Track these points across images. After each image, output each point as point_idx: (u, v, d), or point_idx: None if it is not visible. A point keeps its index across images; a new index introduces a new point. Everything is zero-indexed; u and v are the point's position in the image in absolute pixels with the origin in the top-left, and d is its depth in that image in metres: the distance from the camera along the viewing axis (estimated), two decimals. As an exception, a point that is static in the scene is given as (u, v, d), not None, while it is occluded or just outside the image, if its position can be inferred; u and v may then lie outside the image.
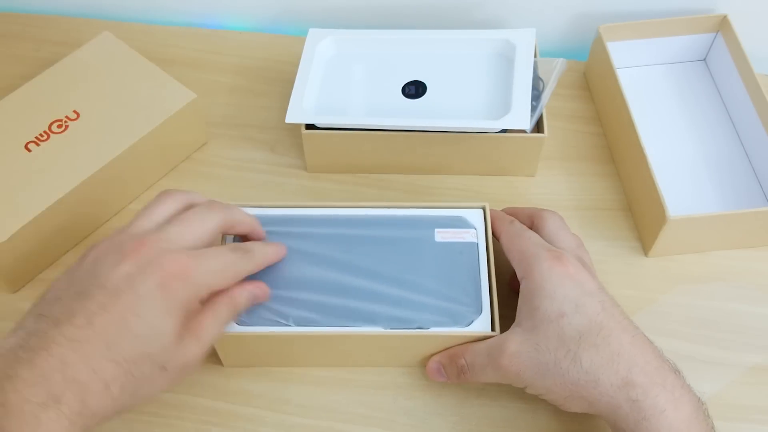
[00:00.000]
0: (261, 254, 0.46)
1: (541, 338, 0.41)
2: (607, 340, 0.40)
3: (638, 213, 0.58)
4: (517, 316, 0.45)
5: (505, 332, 0.44)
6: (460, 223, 0.51)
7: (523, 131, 0.56)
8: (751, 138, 0.60)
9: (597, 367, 0.40)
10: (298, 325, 0.47)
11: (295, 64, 0.61)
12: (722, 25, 0.64)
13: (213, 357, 0.51)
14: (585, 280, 0.43)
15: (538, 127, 0.59)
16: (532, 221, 0.50)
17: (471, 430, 0.48)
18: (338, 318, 0.47)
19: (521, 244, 0.46)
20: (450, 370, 0.47)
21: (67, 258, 0.57)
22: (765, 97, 0.57)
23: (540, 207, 0.52)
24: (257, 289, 0.45)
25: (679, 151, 0.62)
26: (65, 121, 0.57)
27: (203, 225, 0.42)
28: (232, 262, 0.43)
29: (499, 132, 0.56)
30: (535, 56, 0.62)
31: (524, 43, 0.60)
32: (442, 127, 0.56)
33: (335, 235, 0.51)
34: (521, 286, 0.45)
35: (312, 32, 0.63)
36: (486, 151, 0.59)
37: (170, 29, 0.73)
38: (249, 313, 0.47)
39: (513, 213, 0.51)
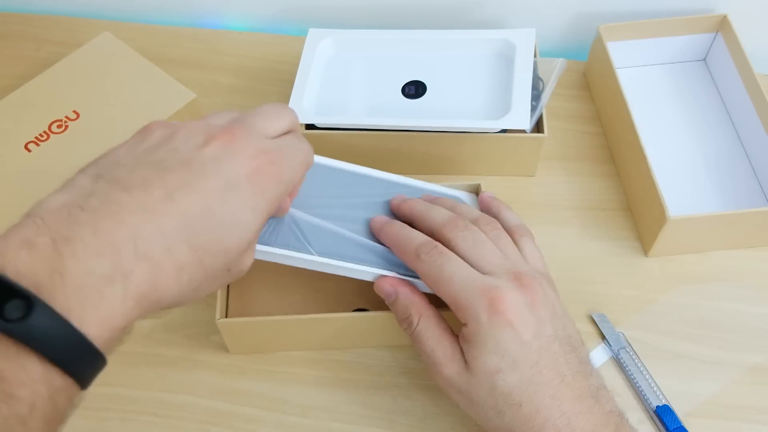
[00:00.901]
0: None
1: (473, 385, 0.40)
2: (532, 398, 0.38)
3: (638, 213, 0.58)
4: (461, 339, 0.41)
5: (452, 343, 0.41)
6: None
7: (523, 131, 0.56)
8: (751, 138, 0.60)
9: (517, 424, 0.39)
10: (321, 255, 0.45)
11: (295, 64, 0.61)
12: (722, 25, 0.64)
13: (214, 356, 0.51)
14: (525, 325, 0.39)
15: (538, 127, 0.59)
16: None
17: (471, 430, 0.48)
18: (355, 252, 0.46)
19: (448, 289, 0.40)
20: (399, 310, 0.44)
21: (67, 258, 0.57)
22: (765, 97, 0.57)
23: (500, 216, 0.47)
24: (286, 207, 0.43)
25: (679, 151, 0.62)
26: (65, 121, 0.57)
27: (280, 119, 0.38)
28: (306, 153, 0.39)
29: (499, 132, 0.56)
30: (535, 56, 0.62)
31: (524, 43, 0.60)
32: (442, 127, 0.56)
33: (343, 183, 0.50)
34: (464, 329, 0.40)
35: (312, 32, 0.63)
36: (486, 151, 0.59)
37: (170, 29, 0.73)
38: (275, 235, 0.45)
39: (487, 208, 0.48)
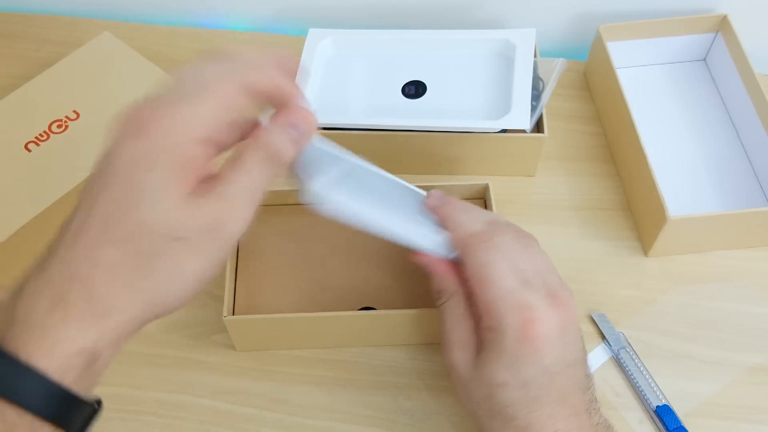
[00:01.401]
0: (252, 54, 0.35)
1: (474, 383, 0.39)
2: (528, 415, 0.38)
3: (638, 213, 0.58)
4: (481, 335, 0.40)
5: (470, 331, 0.40)
6: None
7: (523, 131, 0.56)
8: (751, 138, 0.60)
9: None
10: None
11: (295, 64, 0.61)
12: (722, 25, 0.64)
13: (214, 356, 0.51)
14: (549, 351, 0.38)
15: (538, 127, 0.59)
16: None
17: (471, 430, 0.48)
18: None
19: (487, 292, 0.39)
20: (434, 283, 0.43)
21: (67, 258, 0.57)
22: (765, 97, 0.57)
23: (494, 216, 0.44)
24: (298, 119, 0.35)
25: (679, 151, 0.62)
26: (65, 121, 0.57)
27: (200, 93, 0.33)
28: (212, 78, 0.33)
29: (499, 132, 0.56)
30: (535, 56, 0.62)
31: (524, 43, 0.60)
32: (442, 127, 0.56)
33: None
34: (485, 332, 0.39)
35: (312, 32, 0.63)
36: (486, 151, 0.59)
37: (170, 29, 0.73)
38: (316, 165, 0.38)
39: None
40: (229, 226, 0.32)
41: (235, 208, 0.32)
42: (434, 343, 0.52)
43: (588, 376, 0.41)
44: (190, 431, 0.48)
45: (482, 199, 0.56)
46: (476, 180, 0.55)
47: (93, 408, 0.31)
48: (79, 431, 0.30)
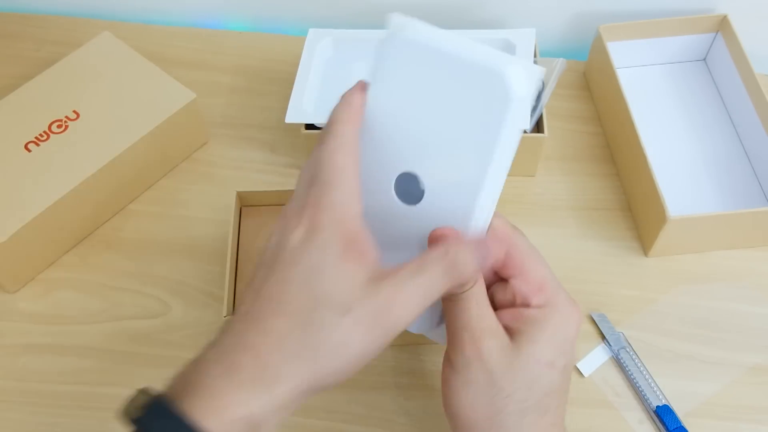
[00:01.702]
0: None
1: (513, 369, 0.36)
2: (557, 409, 0.37)
3: (638, 213, 0.58)
4: (520, 318, 0.38)
5: (495, 316, 0.38)
6: None
7: (524, 131, 0.56)
8: (751, 138, 0.61)
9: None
10: None
11: (295, 64, 0.61)
12: (722, 25, 0.64)
13: (213, 357, 0.51)
14: (576, 339, 0.39)
15: (538, 127, 0.59)
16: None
17: (471, 430, 0.48)
18: None
19: (545, 269, 0.39)
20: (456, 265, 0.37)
21: (67, 258, 0.57)
22: (765, 97, 0.58)
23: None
24: (489, 247, 0.37)
25: (679, 151, 0.62)
26: (65, 121, 0.57)
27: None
28: (329, 160, 0.35)
29: (499, 132, 0.56)
30: (535, 56, 0.62)
31: (524, 43, 0.60)
32: (442, 127, 0.56)
33: None
34: (533, 310, 0.38)
35: (312, 32, 0.63)
36: (486, 151, 0.59)
37: (170, 29, 0.73)
38: None
39: None
40: (394, 317, 0.33)
41: (404, 300, 0.34)
42: (434, 343, 0.52)
43: None
44: (190, 431, 0.48)
45: None
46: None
47: None
48: None
